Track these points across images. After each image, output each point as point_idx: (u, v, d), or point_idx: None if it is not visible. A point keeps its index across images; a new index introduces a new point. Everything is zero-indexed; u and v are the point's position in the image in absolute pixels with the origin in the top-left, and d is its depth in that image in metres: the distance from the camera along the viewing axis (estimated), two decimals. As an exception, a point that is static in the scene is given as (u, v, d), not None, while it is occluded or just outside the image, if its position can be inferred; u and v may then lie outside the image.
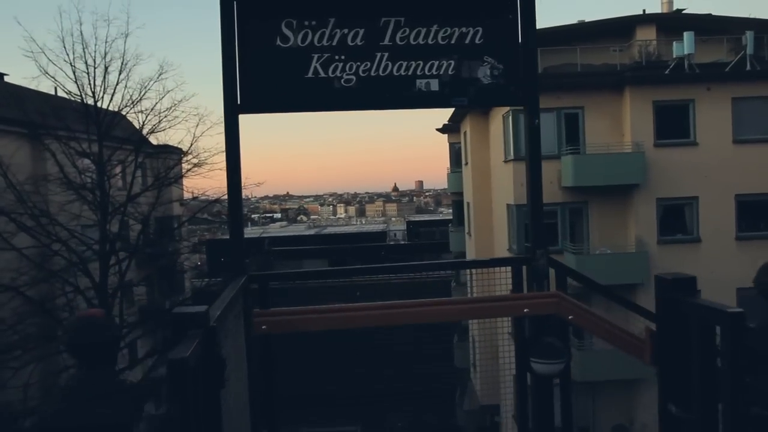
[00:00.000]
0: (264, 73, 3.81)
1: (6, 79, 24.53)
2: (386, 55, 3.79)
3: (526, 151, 3.80)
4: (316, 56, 3.80)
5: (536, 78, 3.91)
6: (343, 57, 3.84)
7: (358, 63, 3.84)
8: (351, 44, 3.86)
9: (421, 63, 3.84)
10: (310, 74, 3.80)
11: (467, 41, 3.87)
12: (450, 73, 3.85)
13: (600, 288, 4.02)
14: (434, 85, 3.83)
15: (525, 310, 3.44)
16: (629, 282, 19.97)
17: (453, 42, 3.88)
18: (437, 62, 3.84)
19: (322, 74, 3.81)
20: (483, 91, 3.82)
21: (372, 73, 3.82)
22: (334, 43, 3.85)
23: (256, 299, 3.66)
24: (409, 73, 3.83)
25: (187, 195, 24.85)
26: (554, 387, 3.76)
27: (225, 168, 3.65)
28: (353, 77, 3.83)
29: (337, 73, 3.82)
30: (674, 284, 3.34)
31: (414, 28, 3.88)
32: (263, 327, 3.35)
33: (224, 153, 3.79)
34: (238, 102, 3.79)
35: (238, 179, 3.67)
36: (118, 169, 20.37)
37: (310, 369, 27.28)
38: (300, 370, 23.83)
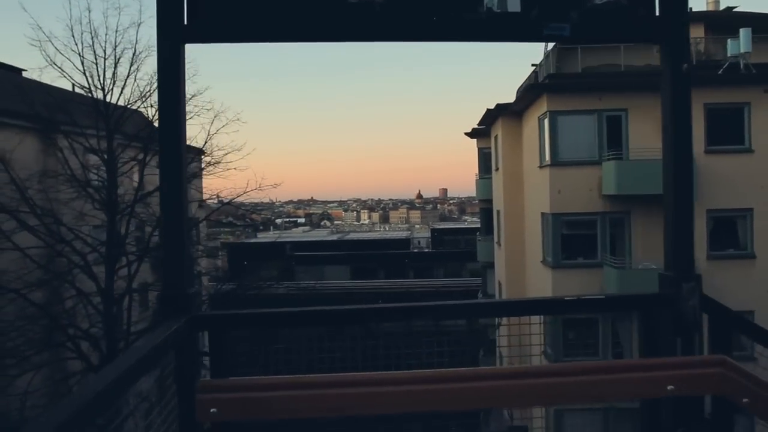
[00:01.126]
0: (229, -23, 2.14)
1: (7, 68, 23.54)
2: (434, -48, 2.22)
3: (667, 117, 2.24)
4: (318, -51, 2.21)
5: (684, -2, 2.33)
6: (362, -48, 2.15)
7: (388, -37, 2.15)
8: (377, -69, 2.15)
9: (493, -33, 2.14)
10: (307, -21, 2.12)
11: (568, -67, 2.16)
12: (540, -16, 2.16)
13: None
14: (513, 3, 2.23)
15: (669, 388, 1.96)
16: (676, 300, 18.33)
17: (545, -66, 2.15)
18: (519, -33, 2.22)
19: (328, -20, 2.15)
20: (594, 15, 2.17)
21: (411, -19, 2.13)
22: (348, -72, 2.14)
23: (222, 356, 2.23)
24: (473, -17, 2.14)
25: (207, 196, 23.72)
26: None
27: (159, 137, 2.22)
28: (380, -13, 2.16)
29: (353, -22, 2.13)
30: None
31: None
32: (212, 410, 1.93)
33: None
34: (185, 22, 2.22)
35: (179, 152, 2.22)
36: (127, 167, 19.17)
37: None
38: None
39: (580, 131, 19.47)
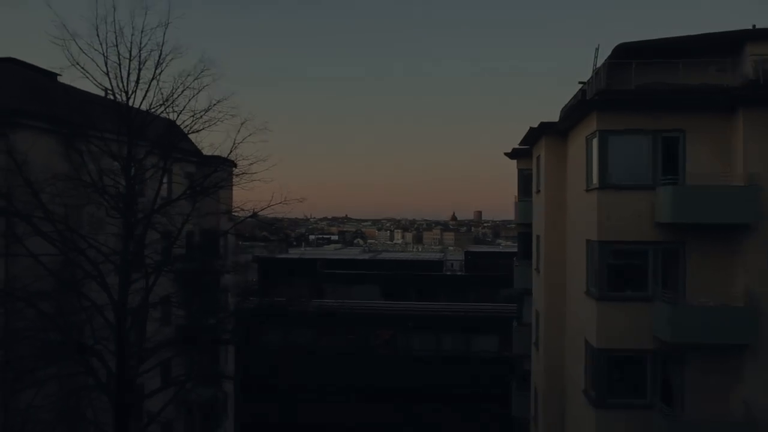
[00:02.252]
0: None
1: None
2: None
3: None
4: None
5: None
6: None
7: None
8: None
9: None
10: None
11: None
12: None
13: None
14: None
15: None
16: (735, 342, 16.65)
17: None
18: None
19: None
20: None
21: None
22: None
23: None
24: None
25: (231, 208, 22.75)
26: None
27: None
28: None
29: None
30: None
31: None
32: None
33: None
34: None
35: None
36: (147, 174, 18.21)
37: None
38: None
39: (632, 152, 17.86)
